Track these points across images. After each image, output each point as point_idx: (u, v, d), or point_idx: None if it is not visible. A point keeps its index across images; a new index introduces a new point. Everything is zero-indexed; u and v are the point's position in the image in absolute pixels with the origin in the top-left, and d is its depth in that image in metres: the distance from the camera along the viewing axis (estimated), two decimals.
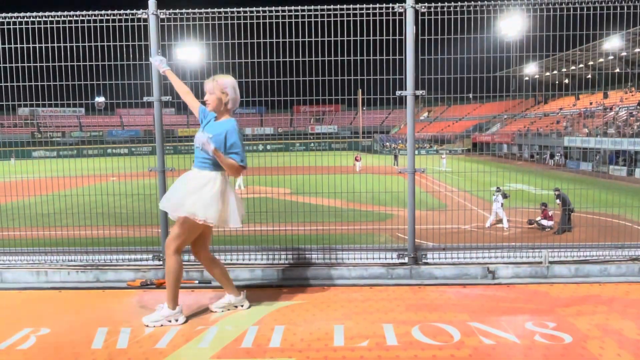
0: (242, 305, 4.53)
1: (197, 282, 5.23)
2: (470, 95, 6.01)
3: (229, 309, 4.49)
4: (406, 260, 5.37)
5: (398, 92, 5.16)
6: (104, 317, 4.37)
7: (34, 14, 5.34)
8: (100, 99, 6.45)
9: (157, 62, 4.64)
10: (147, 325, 4.15)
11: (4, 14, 5.39)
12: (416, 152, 5.26)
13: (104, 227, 6.02)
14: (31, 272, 5.44)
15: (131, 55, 5.43)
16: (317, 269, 5.31)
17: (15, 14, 5.37)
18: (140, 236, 6.10)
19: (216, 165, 4.16)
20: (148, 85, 5.36)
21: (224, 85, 4.18)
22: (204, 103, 4.32)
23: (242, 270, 5.19)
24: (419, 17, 5.06)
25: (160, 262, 5.48)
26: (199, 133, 4.09)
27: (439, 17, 5.05)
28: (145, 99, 5.39)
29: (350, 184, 6.13)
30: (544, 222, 16.38)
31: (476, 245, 5.50)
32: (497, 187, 16.40)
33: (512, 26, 5.71)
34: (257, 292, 4.87)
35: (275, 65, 5.29)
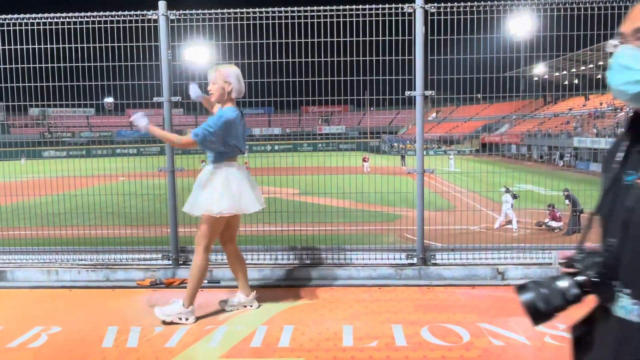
0: (251, 305, 4.55)
1: (206, 281, 5.25)
2: (479, 96, 6.00)
3: (238, 309, 4.51)
4: (415, 260, 5.36)
5: (407, 93, 5.15)
6: (114, 316, 4.41)
7: (45, 15, 5.39)
8: (109, 100, 6.49)
9: (195, 92, 4.54)
10: (162, 320, 4.19)
11: (15, 15, 5.44)
12: (424, 152, 5.26)
13: (113, 226, 6.07)
14: (42, 271, 5.49)
15: (141, 56, 5.48)
16: (326, 269, 5.31)
17: (27, 15, 5.42)
18: (149, 236, 6.13)
19: (215, 159, 4.21)
20: (158, 85, 5.41)
21: (226, 74, 4.20)
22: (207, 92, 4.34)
23: (251, 270, 5.20)
24: (429, 17, 5.06)
25: (170, 262, 5.51)
26: (134, 116, 4.15)
27: (448, 17, 5.04)
28: (154, 99, 5.43)
29: (358, 184, 6.13)
30: (553, 224, 16.28)
31: (485, 246, 5.48)
32: (506, 188, 16.28)
33: (521, 26, 5.69)
34: (265, 291, 4.89)
35: (284, 65, 5.31)
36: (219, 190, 4.15)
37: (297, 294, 4.76)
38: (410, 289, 4.98)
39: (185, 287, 4.42)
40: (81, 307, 4.69)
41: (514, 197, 16.63)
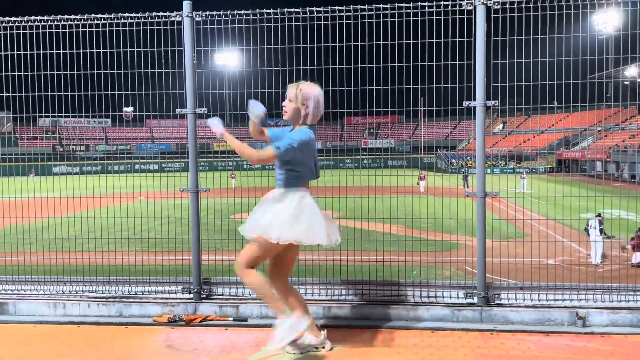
0: (323, 347, 4.55)
1: (231, 319, 5.29)
2: (555, 104, 5.91)
3: (304, 352, 4.48)
4: (475, 300, 5.26)
5: (466, 103, 5.12)
6: (125, 358, 4.49)
7: (57, 17, 5.55)
8: (128, 110, 6.72)
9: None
10: (289, 349, 4.35)
11: (26, 17, 5.64)
12: (488, 170, 5.19)
13: (129, 253, 6.19)
14: (48, 303, 5.65)
15: (163, 62, 5.65)
16: (367, 307, 5.27)
17: (37, 17, 5.58)
18: (169, 264, 6.24)
19: (288, 182, 4.39)
20: (181, 95, 5.54)
21: (307, 95, 4.38)
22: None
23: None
24: (491, 15, 5.02)
25: (191, 296, 5.58)
26: (211, 120, 4.45)
27: (515, 14, 4.99)
28: (178, 111, 5.56)
29: (409, 207, 6.09)
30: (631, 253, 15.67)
31: (562, 285, 5.32)
32: (598, 214, 15.67)
33: (607, 22, 5.59)
34: None
35: (324, 72, 5.38)
36: (286, 215, 4.28)
37: (331, 337, 4.70)
38: (469, 334, 4.88)
39: (209, 324, 4.48)
40: (89, 346, 4.80)
41: (601, 225, 16.07)
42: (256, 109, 4.48)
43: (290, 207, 4.31)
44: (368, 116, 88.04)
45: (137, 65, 5.67)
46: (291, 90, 4.40)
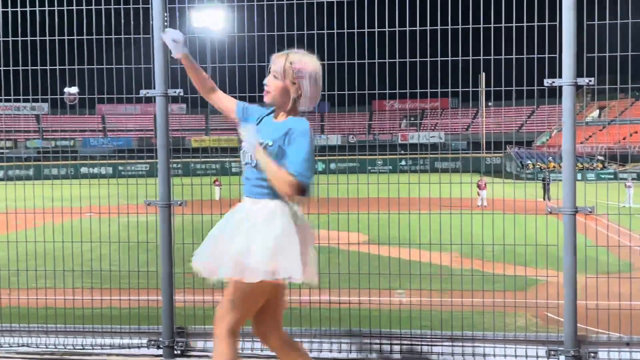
0: None
1: None
2: None
3: None
4: None
5: (548, 81, 5.11)
6: None
7: None
8: (72, 91, 6.68)
9: (170, 38, 4.61)
10: None
11: None
12: (579, 176, 5.17)
13: (73, 291, 6.23)
14: None
15: (122, 25, 5.67)
16: None
17: None
18: (129, 307, 6.25)
19: (276, 193, 4.27)
20: (147, 71, 5.54)
21: (300, 71, 4.28)
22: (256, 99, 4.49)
23: None
24: None
25: (160, 352, 5.60)
26: (244, 127, 4.24)
27: None
28: (143, 92, 5.57)
29: (466, 228, 6.06)
30: None
31: None
32: None
33: None
34: None
35: (346, 37, 5.38)
36: (277, 241, 4.19)
37: None
38: None
39: None
40: None
41: None
42: (171, 35, 4.48)
43: (281, 228, 4.22)
44: (407, 99, 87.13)
45: (86, 30, 5.69)
46: (277, 62, 4.30)
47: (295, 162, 4.12)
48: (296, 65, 4.26)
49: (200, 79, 4.67)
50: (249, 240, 4.18)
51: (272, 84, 4.31)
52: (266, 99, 4.37)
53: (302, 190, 4.13)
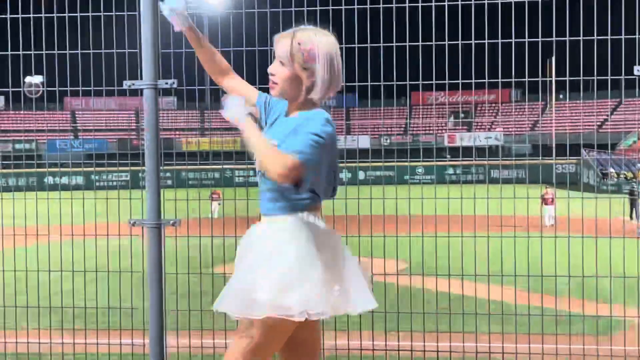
0: None
1: None
2: None
3: None
4: None
5: (638, 68, 5.06)
6: None
7: None
8: (34, 80, 6.74)
9: (168, 9, 4.61)
10: None
11: None
12: None
13: (39, 333, 6.23)
14: None
15: (100, 2, 5.71)
16: None
17: None
18: (109, 353, 6.26)
19: (291, 206, 4.33)
20: (132, 57, 5.61)
21: (311, 51, 4.27)
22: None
23: None
24: None
25: None
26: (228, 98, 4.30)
27: None
28: (127, 84, 5.59)
29: (534, 255, 6.07)
30: None
31: None
32: None
33: None
34: None
35: (380, 20, 5.37)
36: (298, 267, 4.21)
37: None
38: None
39: None
40: None
41: None
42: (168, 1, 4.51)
43: (300, 249, 4.24)
44: (454, 90, 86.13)
45: (56, 6, 5.80)
46: (281, 44, 4.33)
47: (296, 143, 4.11)
48: (306, 46, 4.25)
49: (211, 57, 4.70)
50: (256, 269, 4.23)
51: (278, 73, 4.32)
52: (273, 91, 4.41)
53: (300, 171, 4.10)
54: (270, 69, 4.35)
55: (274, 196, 4.34)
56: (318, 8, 5.52)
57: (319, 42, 4.26)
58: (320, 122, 4.19)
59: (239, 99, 4.28)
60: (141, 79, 5.56)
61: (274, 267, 4.19)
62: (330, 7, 5.48)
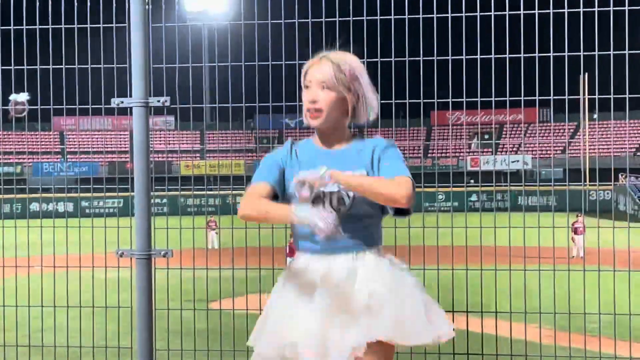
0: None
1: None
2: None
3: None
4: None
5: None
6: None
7: None
8: (19, 99, 6.72)
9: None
10: None
11: None
12: None
13: None
14: None
15: (87, 15, 5.60)
16: None
17: None
18: None
19: (376, 239, 4.42)
20: (121, 72, 5.48)
21: (351, 71, 4.27)
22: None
23: None
24: None
25: None
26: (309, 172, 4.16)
27: None
28: (115, 102, 5.45)
29: (561, 290, 6.01)
30: None
31: None
32: None
33: None
34: None
35: (392, 28, 5.22)
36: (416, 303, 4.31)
37: None
38: None
39: None
40: None
41: None
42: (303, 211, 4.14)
43: (406, 285, 4.36)
44: (479, 110, 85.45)
45: (39, 18, 5.70)
46: (320, 69, 4.29)
47: (398, 166, 4.21)
48: (345, 66, 4.25)
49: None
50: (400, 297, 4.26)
51: (322, 98, 4.25)
52: (316, 122, 4.31)
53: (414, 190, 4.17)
54: (310, 97, 4.27)
55: (362, 228, 4.34)
56: (323, 20, 5.54)
57: (352, 60, 4.35)
58: (391, 143, 4.38)
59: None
60: (130, 96, 5.48)
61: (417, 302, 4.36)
62: (338, 19, 5.54)
